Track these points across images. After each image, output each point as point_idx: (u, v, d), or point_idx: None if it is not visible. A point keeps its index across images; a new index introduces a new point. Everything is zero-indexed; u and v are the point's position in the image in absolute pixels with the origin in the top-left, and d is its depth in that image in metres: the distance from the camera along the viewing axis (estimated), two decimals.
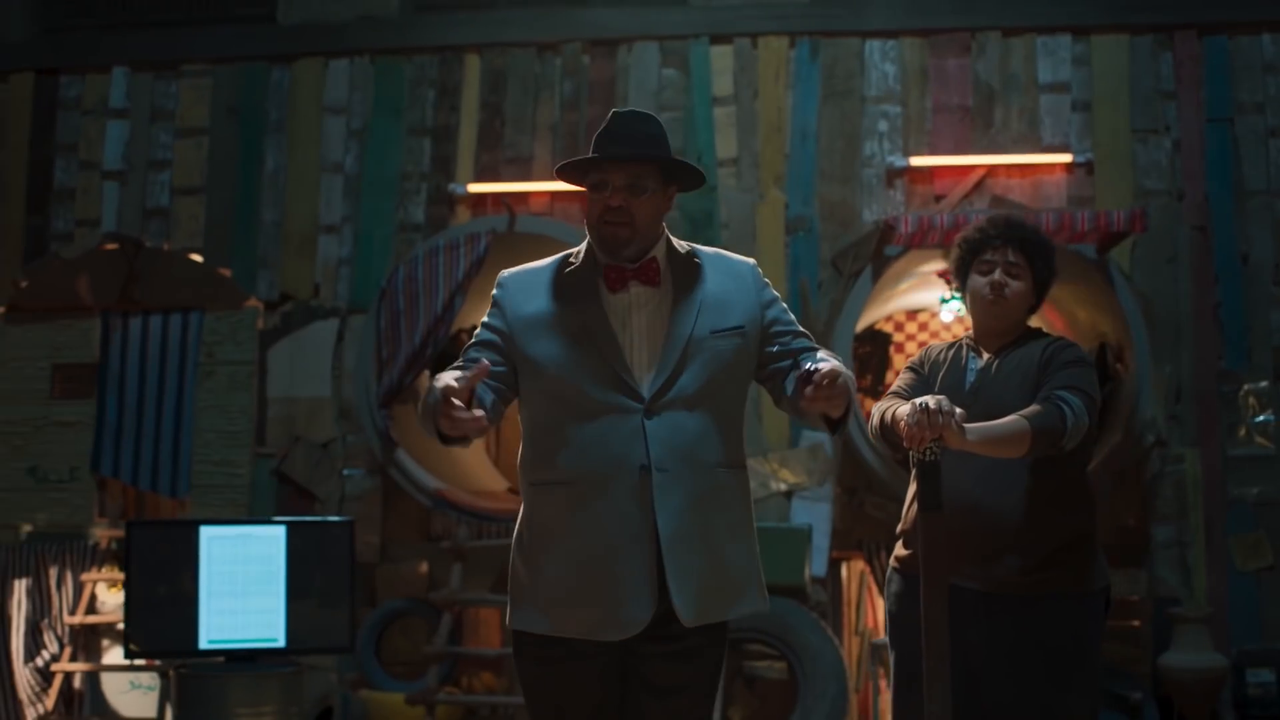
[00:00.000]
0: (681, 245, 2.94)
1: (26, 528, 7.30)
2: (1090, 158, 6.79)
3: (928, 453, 2.98)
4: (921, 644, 2.97)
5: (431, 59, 7.35)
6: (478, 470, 8.06)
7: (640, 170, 2.78)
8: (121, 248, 7.32)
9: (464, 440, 2.68)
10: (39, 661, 7.14)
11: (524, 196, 7.17)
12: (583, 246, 2.92)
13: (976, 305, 3.38)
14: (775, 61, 7.04)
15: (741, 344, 2.86)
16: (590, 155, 2.82)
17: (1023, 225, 3.38)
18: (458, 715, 6.74)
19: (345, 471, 7.11)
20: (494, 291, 2.92)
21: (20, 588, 7.24)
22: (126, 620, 5.57)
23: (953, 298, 7.47)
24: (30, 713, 6.99)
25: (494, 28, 7.33)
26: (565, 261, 2.91)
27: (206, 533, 5.24)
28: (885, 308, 8.14)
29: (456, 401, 2.53)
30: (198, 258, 7.31)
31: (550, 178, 7.12)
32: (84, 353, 7.36)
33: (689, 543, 2.75)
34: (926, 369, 3.47)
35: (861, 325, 7.83)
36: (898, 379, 3.50)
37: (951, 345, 3.50)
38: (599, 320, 2.80)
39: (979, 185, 6.84)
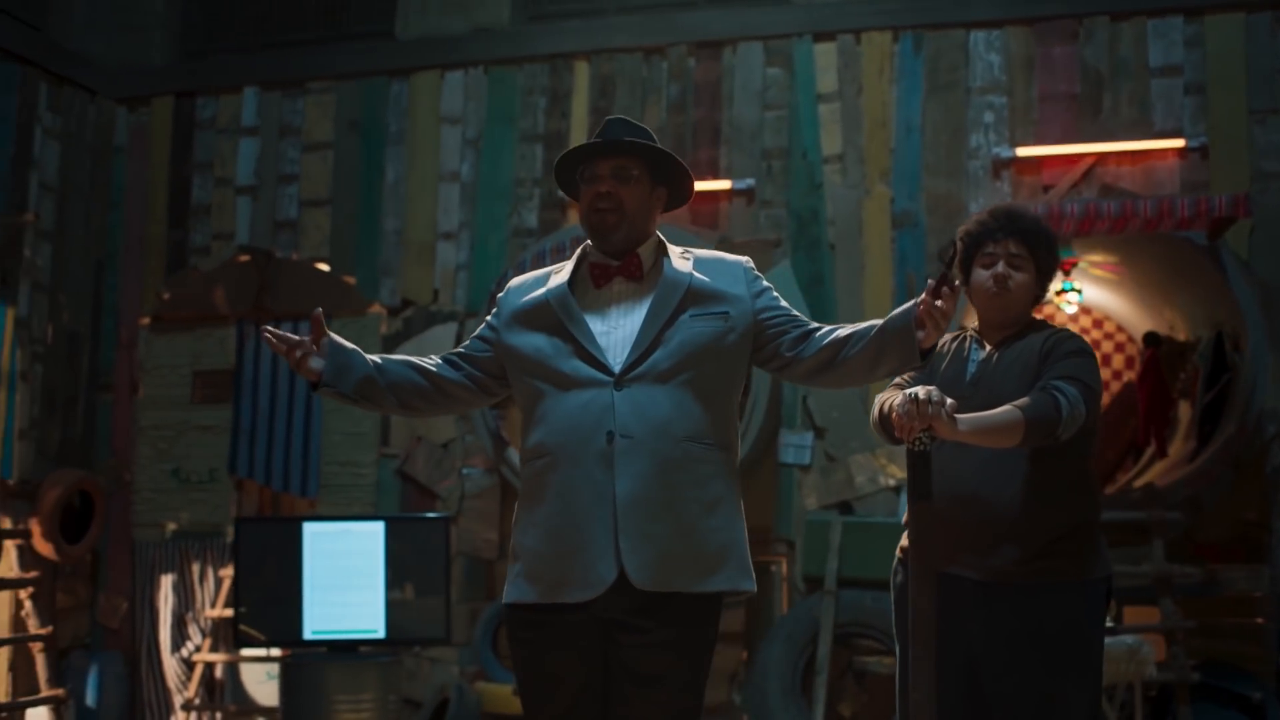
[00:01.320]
0: (674, 247, 3.19)
1: (171, 526, 7.96)
2: (1204, 142, 6.82)
3: (917, 443, 3.11)
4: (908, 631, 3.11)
5: (542, 67, 7.78)
6: None
7: (626, 160, 3.07)
8: (254, 259, 7.93)
9: (316, 385, 3.07)
10: (184, 652, 7.78)
11: None
12: (576, 253, 3.21)
13: (980, 298, 3.49)
14: (879, 56, 7.26)
15: (724, 328, 3.06)
16: (574, 148, 3.17)
17: (1024, 216, 3.50)
18: None
19: (464, 470, 7.56)
20: (496, 294, 3.26)
21: (166, 583, 7.90)
22: (236, 612, 6.11)
23: (1067, 286, 7.58)
24: (178, 700, 7.63)
25: (602, 34, 7.71)
26: (560, 266, 3.22)
27: (310, 529, 5.71)
28: None
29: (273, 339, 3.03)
30: (324, 267, 7.88)
31: None
32: (221, 360, 7.99)
33: (648, 508, 2.93)
34: (931, 360, 3.54)
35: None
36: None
37: (956, 336, 3.61)
38: (573, 305, 3.08)
39: (1088, 174, 6.93)
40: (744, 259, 3.25)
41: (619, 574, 2.92)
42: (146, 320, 8.12)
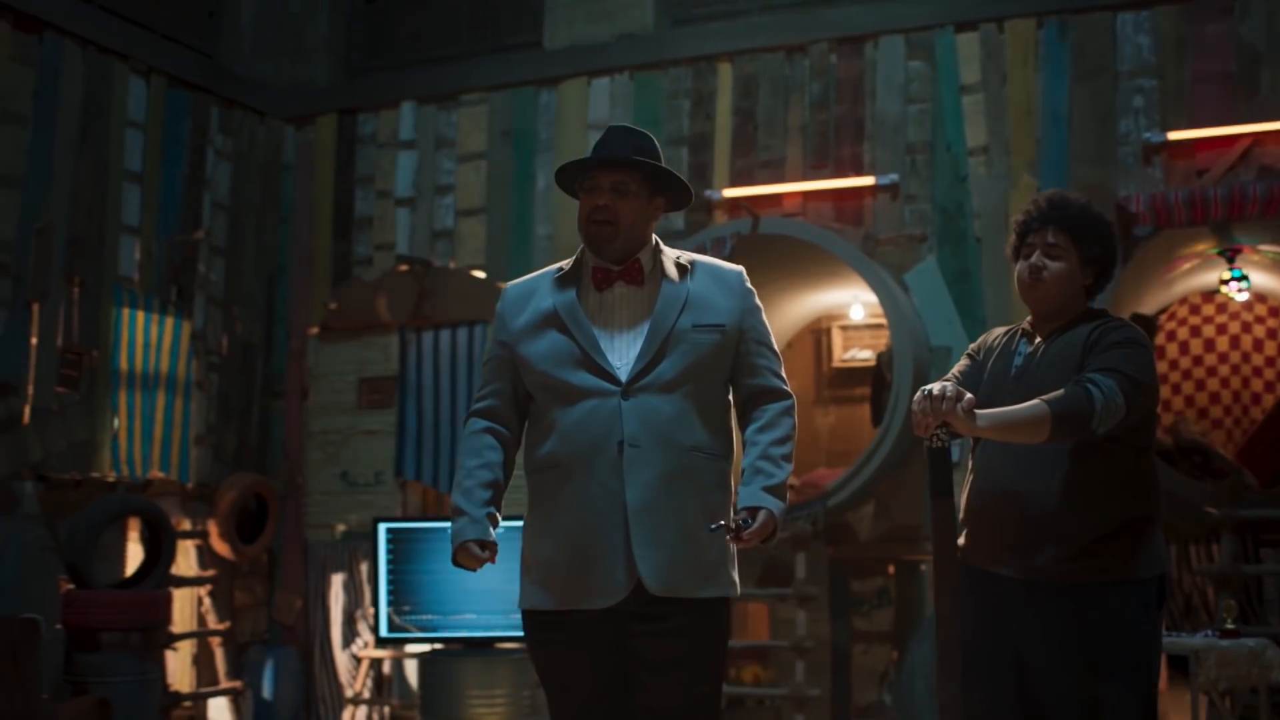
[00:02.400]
0: (671, 253, 3.34)
1: (341, 527, 8.46)
2: None
3: (934, 439, 3.11)
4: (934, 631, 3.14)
5: (686, 70, 8.03)
6: None
7: (624, 175, 3.20)
8: (413, 268, 8.38)
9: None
10: (354, 648, 8.27)
11: (777, 198, 7.71)
12: (575, 255, 3.35)
13: (1019, 290, 3.49)
14: (1023, 44, 7.30)
15: (721, 341, 3.22)
16: (575, 160, 3.32)
17: (1065, 204, 3.45)
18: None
19: None
20: (497, 305, 3.38)
21: (337, 582, 8.41)
22: (377, 609, 6.52)
23: (1235, 275, 7.46)
24: (348, 694, 8.12)
25: (744, 35, 7.91)
26: (559, 269, 3.34)
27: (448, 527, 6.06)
28: (1171, 291, 8.16)
29: (478, 556, 3.21)
30: (480, 274, 8.27)
31: (801, 178, 7.69)
32: (385, 366, 8.46)
33: (658, 514, 3.09)
34: (981, 355, 3.58)
35: (1150, 308, 7.92)
36: (957, 365, 3.64)
37: (1009, 330, 3.60)
38: (581, 315, 3.21)
39: (1245, 156, 6.84)
40: (739, 268, 3.37)
41: (634, 578, 3.10)
42: (315, 330, 8.65)
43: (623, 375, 3.16)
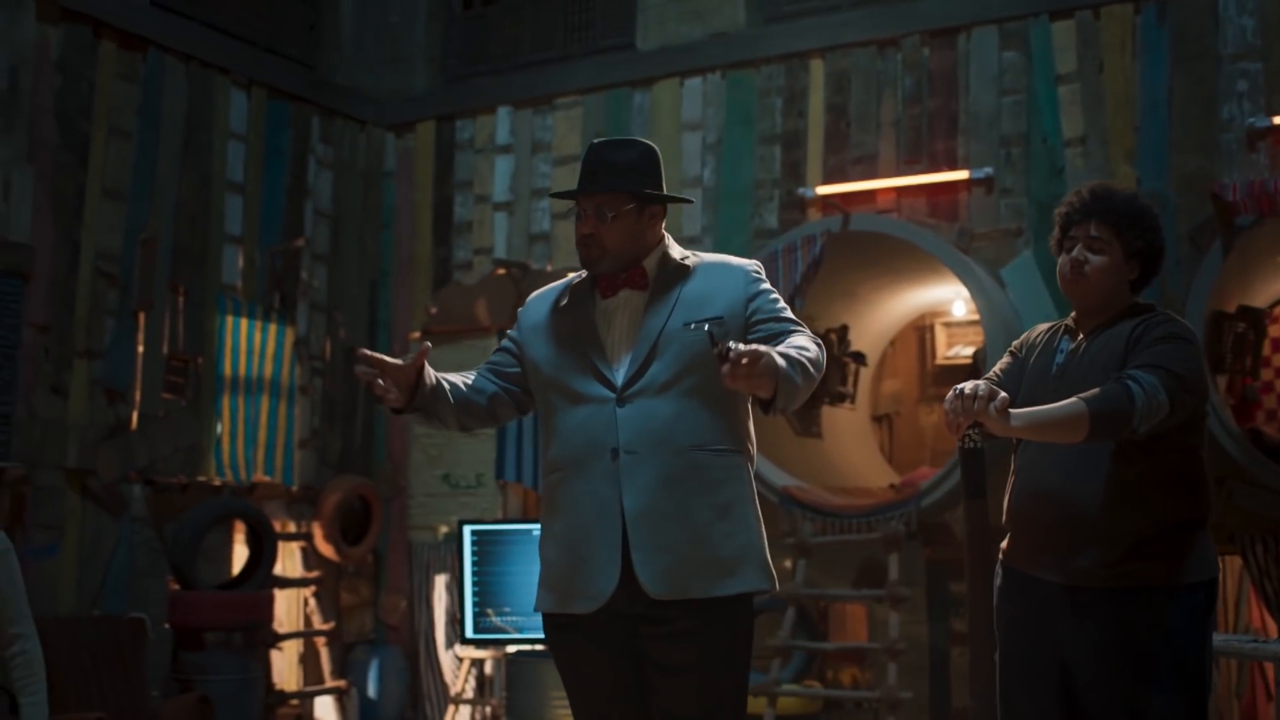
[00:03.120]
0: (679, 253, 3.31)
1: (443, 529, 8.63)
2: None
3: (966, 439, 3.06)
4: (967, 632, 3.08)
5: (778, 68, 8.02)
6: (858, 466, 8.60)
7: (604, 199, 3.19)
8: (510, 272, 8.52)
9: (400, 408, 3.16)
10: (457, 648, 8.43)
11: (870, 194, 7.66)
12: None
13: (1061, 285, 3.41)
14: (1120, 30, 7.15)
15: (719, 333, 3.06)
16: (555, 192, 3.36)
17: (1109, 195, 3.37)
18: (815, 708, 7.34)
19: None
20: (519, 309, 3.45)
21: (440, 582, 8.58)
22: (462, 611, 6.65)
23: None
24: (452, 692, 8.28)
25: (836, 30, 7.88)
26: (576, 277, 3.36)
27: (537, 531, 6.16)
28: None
29: (368, 366, 3.10)
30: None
31: (895, 173, 7.64)
32: None
33: (657, 520, 3.08)
34: (1023, 352, 3.51)
35: (1262, 300, 7.70)
36: (999, 362, 3.57)
37: (1052, 326, 3.52)
38: (583, 320, 3.25)
39: None
40: (751, 263, 3.34)
41: (633, 581, 3.06)
42: (416, 334, 8.83)
43: (618, 381, 3.17)
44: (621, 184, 3.20)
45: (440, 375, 3.29)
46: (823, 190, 7.74)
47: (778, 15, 8.21)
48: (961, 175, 7.42)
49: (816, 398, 8.13)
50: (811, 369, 3.05)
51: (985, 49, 7.48)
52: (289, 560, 8.23)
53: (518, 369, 3.38)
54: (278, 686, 7.82)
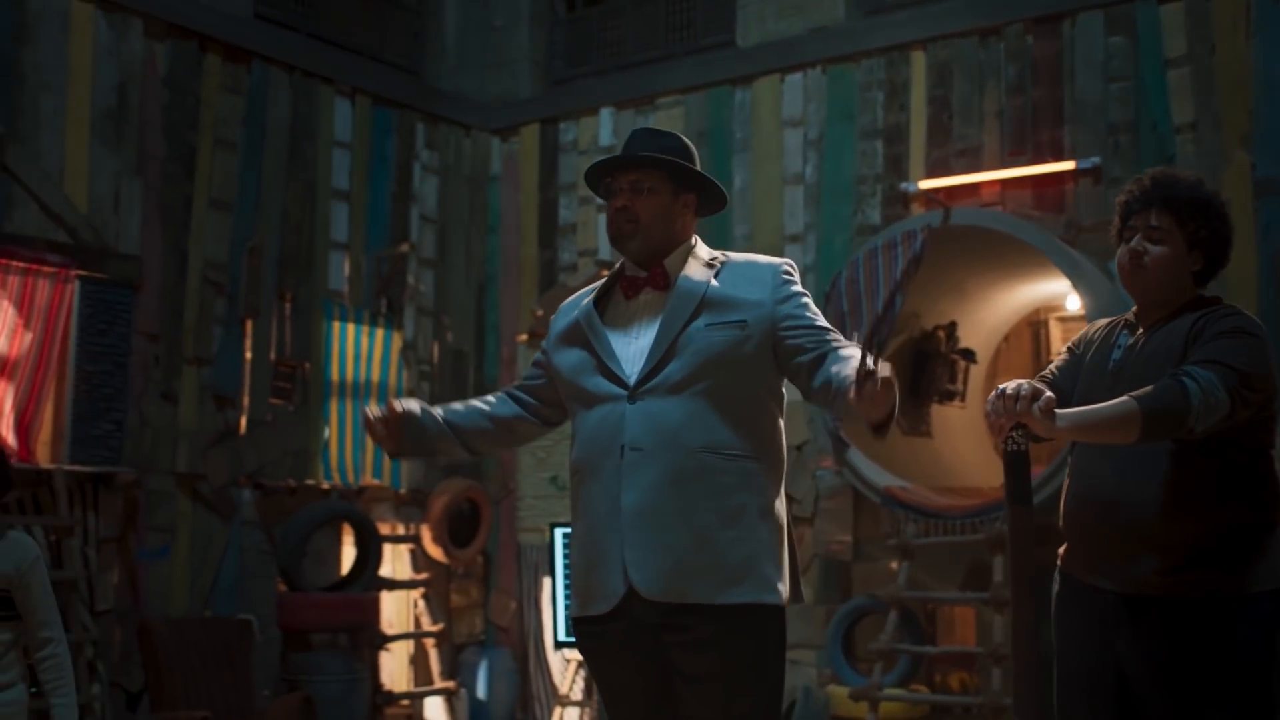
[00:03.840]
0: (706, 253, 3.27)
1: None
2: None
3: (1009, 441, 2.90)
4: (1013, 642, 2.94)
5: (878, 61, 7.92)
6: (970, 465, 8.44)
7: (641, 173, 3.22)
8: (613, 272, 8.56)
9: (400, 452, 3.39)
10: (565, 649, 8.49)
11: (974, 187, 7.52)
12: (615, 267, 3.39)
13: (1120, 276, 3.29)
14: (1232, 10, 6.89)
15: (740, 336, 3.08)
16: (598, 161, 3.35)
17: (1172, 183, 3.24)
18: (920, 713, 7.22)
19: (817, 472, 7.82)
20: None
21: (548, 584, 8.65)
22: (555, 613, 6.67)
23: None
24: (560, 693, 8.34)
25: (936, 20, 7.75)
26: (602, 282, 3.40)
27: None
28: None
29: (369, 411, 3.33)
30: None
31: (999, 166, 7.50)
32: None
33: (657, 518, 3.01)
34: (1080, 348, 3.39)
35: None
36: (1056, 359, 3.44)
37: (1111, 322, 3.39)
38: (598, 323, 3.23)
39: None
40: (782, 262, 3.25)
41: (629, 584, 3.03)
42: (524, 336, 8.92)
43: (631, 379, 3.13)
44: (660, 161, 3.23)
45: (448, 408, 3.43)
46: (925, 184, 7.62)
47: (877, 8, 8.11)
48: (1068, 166, 7.24)
49: (924, 396, 8.01)
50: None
51: (1091, 35, 7.29)
52: (398, 562, 8.37)
53: (543, 381, 3.41)
54: (387, 687, 7.96)
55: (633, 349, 3.16)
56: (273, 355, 7.83)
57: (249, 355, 7.70)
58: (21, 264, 6.63)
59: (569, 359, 3.26)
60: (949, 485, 7.84)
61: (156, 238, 7.30)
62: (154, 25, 7.35)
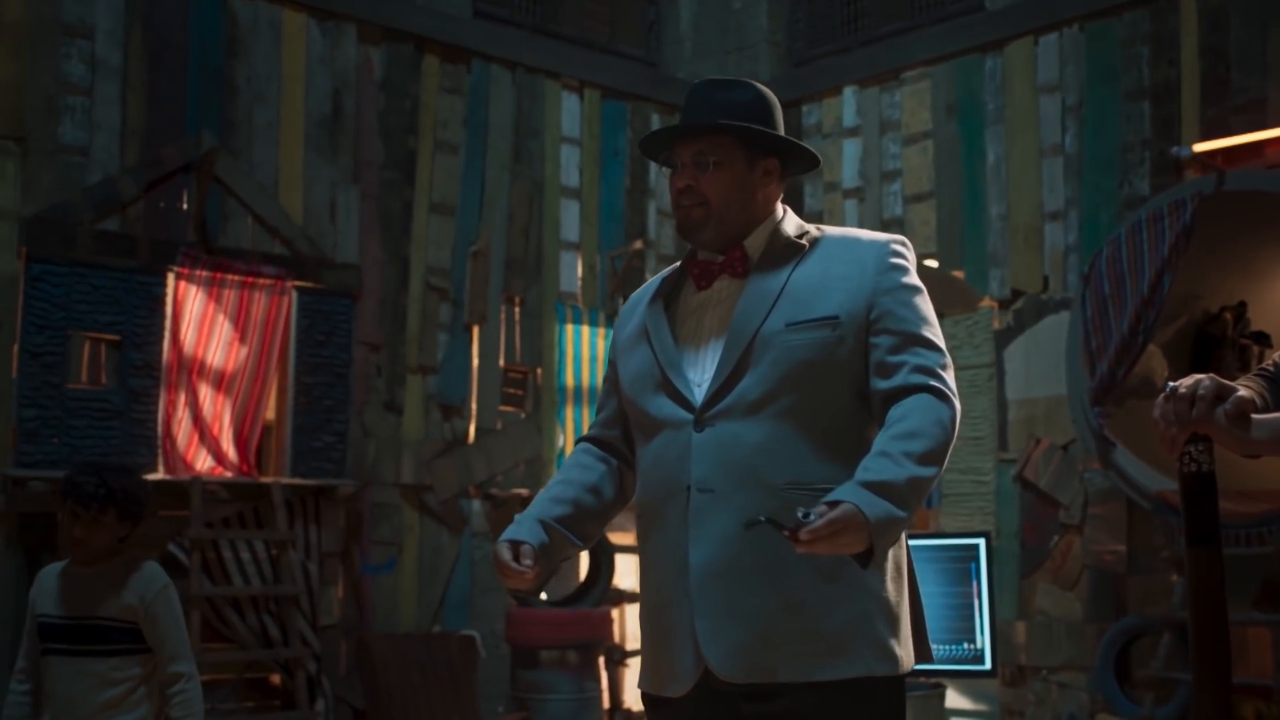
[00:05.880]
0: (795, 227, 2.64)
1: None
2: None
3: (1186, 459, 2.24)
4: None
5: (1142, 13, 7.11)
6: (1272, 466, 7.52)
7: (708, 143, 2.56)
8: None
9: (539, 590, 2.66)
10: None
11: (1258, 147, 6.64)
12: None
13: None
14: None
15: (831, 337, 2.47)
16: (652, 133, 2.67)
17: None
18: None
19: (1085, 474, 7.11)
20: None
21: None
22: None
23: None
24: None
25: None
26: (671, 270, 2.74)
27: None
28: None
29: (509, 564, 2.52)
30: (933, 263, 7.79)
31: None
32: None
33: (733, 579, 2.42)
34: None
35: None
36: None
37: None
38: (663, 324, 2.61)
39: None
40: (891, 239, 2.61)
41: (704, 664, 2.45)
42: None
43: (699, 400, 2.51)
44: (726, 127, 2.56)
45: (552, 503, 2.69)
46: (1200, 147, 6.79)
47: None
48: None
49: None
50: (925, 465, 2.36)
51: None
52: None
53: (619, 408, 2.76)
54: (625, 705, 7.70)
55: (701, 356, 2.57)
56: (501, 361, 7.70)
57: (476, 362, 7.59)
58: (237, 277, 6.70)
59: (629, 374, 2.67)
60: (1239, 489, 6.98)
61: (375, 245, 7.28)
62: (368, 30, 7.33)
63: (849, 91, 8.34)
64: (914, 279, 2.57)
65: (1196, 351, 7.19)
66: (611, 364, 2.79)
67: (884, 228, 8.07)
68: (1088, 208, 7.25)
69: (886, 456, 2.35)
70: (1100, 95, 7.26)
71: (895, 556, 2.52)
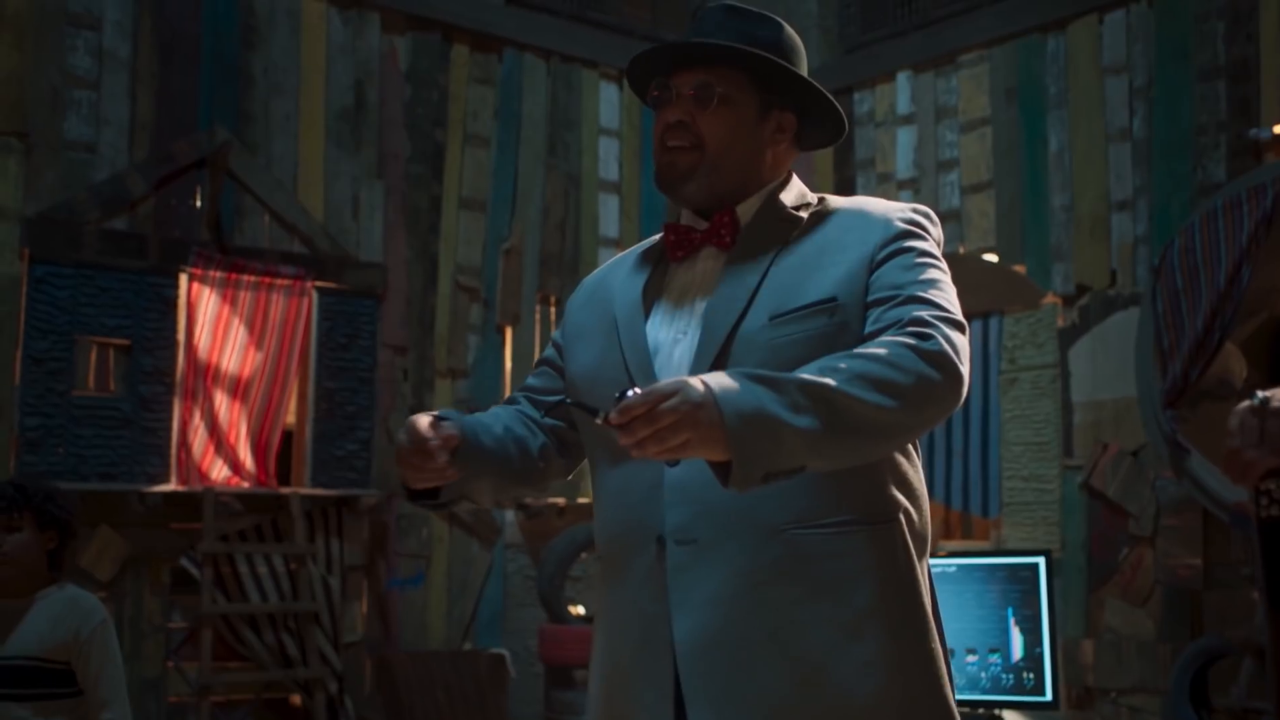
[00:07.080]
0: (796, 195, 2.12)
1: None
2: None
3: (1262, 499, 1.81)
4: None
5: None
6: None
7: (715, 74, 2.03)
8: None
9: (434, 499, 2.04)
10: None
11: None
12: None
13: None
14: None
15: (830, 325, 1.93)
16: (645, 50, 2.12)
17: None
18: None
19: (1157, 483, 6.65)
20: None
21: None
22: None
23: None
24: None
25: None
26: (648, 243, 2.21)
27: (953, 564, 5.29)
28: None
29: (426, 441, 1.90)
30: (992, 257, 7.36)
31: None
32: None
33: (731, 652, 1.88)
34: None
35: None
36: None
37: None
38: (637, 314, 2.05)
39: None
40: (906, 208, 2.09)
41: None
42: None
43: None
44: (743, 54, 2.04)
45: (487, 432, 2.09)
46: None
47: None
48: None
49: None
50: (863, 389, 1.74)
51: None
52: None
53: (556, 392, 2.20)
54: None
55: (677, 353, 2.01)
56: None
57: (509, 365, 7.26)
58: (254, 277, 6.41)
59: (586, 362, 2.11)
60: None
61: (401, 243, 6.96)
62: (393, 18, 7.02)
63: (903, 77, 7.92)
64: (925, 246, 2.03)
65: (1277, 350, 6.73)
66: (556, 347, 2.23)
67: (941, 220, 7.63)
68: (1158, 196, 6.79)
69: (814, 363, 1.81)
70: (1171, 75, 6.79)
71: (924, 607, 1.98)
